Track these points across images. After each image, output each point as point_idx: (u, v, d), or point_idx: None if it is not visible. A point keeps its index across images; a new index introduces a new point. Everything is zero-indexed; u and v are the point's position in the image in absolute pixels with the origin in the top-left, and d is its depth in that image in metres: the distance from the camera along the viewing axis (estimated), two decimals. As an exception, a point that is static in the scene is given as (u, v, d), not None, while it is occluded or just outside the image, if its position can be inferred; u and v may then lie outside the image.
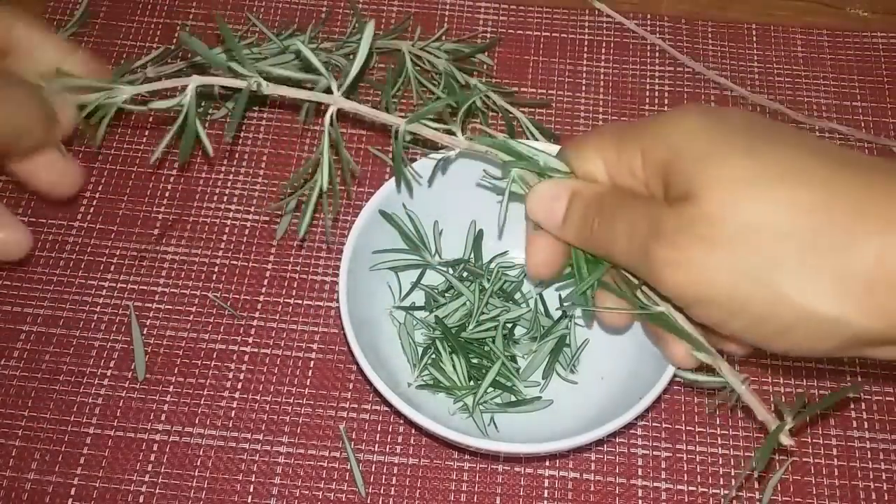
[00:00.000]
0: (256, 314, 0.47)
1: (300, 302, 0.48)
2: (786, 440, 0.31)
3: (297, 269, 0.49)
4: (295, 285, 0.48)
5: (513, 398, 0.43)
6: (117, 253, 0.49)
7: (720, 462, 0.43)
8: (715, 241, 0.27)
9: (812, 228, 0.27)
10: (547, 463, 0.43)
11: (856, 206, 0.26)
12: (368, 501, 0.42)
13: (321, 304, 0.48)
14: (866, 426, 0.44)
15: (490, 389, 0.43)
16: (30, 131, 0.31)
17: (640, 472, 0.43)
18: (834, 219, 0.26)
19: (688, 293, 0.29)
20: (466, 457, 0.43)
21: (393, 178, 0.41)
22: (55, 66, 0.33)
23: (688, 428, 0.44)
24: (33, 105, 0.31)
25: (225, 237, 0.50)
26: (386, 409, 0.44)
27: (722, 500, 0.42)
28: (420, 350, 0.44)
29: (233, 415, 0.44)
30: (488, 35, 0.58)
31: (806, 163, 0.28)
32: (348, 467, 0.43)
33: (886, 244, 0.26)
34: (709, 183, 0.28)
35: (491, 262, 0.46)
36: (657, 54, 0.57)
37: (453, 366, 0.43)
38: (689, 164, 0.29)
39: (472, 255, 0.46)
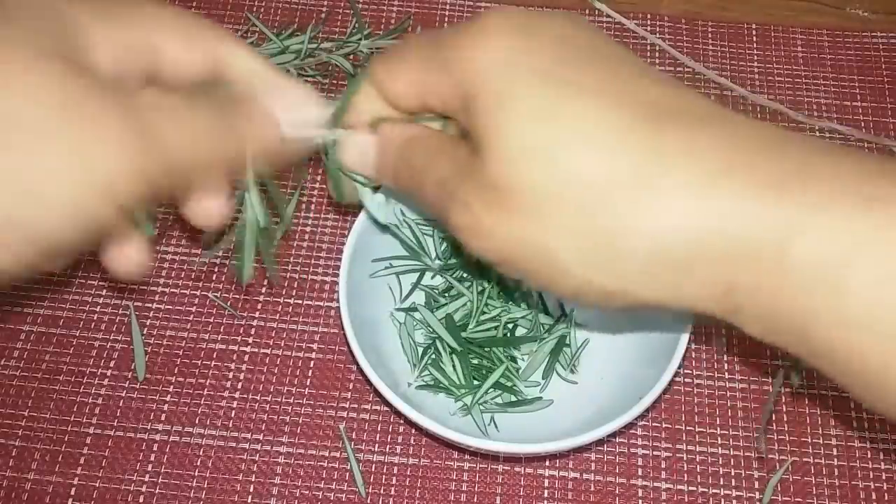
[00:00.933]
0: (256, 314, 0.47)
1: (300, 302, 0.48)
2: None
3: (297, 269, 0.49)
4: (295, 285, 0.48)
5: (513, 398, 0.43)
6: (117, 253, 0.49)
7: (720, 462, 0.43)
8: (502, 209, 0.27)
9: (593, 201, 0.25)
10: (547, 463, 0.43)
11: (639, 179, 0.25)
12: (368, 501, 0.42)
13: (321, 304, 0.48)
14: (866, 426, 0.44)
15: (490, 389, 0.43)
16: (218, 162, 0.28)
17: (640, 472, 0.43)
18: (615, 190, 0.25)
19: (486, 257, 0.28)
20: (466, 457, 0.43)
21: None
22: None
23: (688, 428, 0.44)
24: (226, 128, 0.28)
25: (225, 237, 0.50)
26: (386, 409, 0.44)
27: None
28: (420, 350, 0.44)
29: (233, 415, 0.44)
30: (488, 35, 0.57)
31: (605, 120, 0.26)
32: (348, 467, 0.43)
33: (660, 218, 0.25)
34: (496, 143, 0.26)
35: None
36: (657, 54, 0.57)
37: (453, 366, 0.43)
38: (481, 113, 0.27)
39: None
